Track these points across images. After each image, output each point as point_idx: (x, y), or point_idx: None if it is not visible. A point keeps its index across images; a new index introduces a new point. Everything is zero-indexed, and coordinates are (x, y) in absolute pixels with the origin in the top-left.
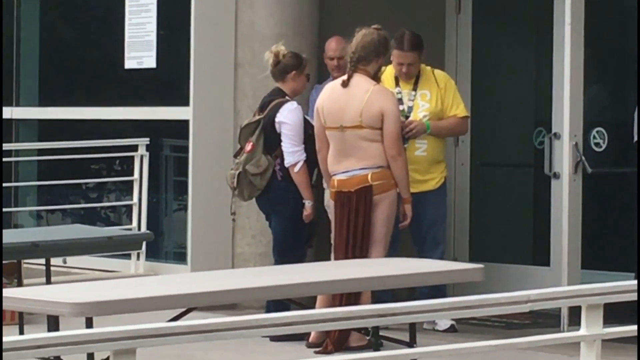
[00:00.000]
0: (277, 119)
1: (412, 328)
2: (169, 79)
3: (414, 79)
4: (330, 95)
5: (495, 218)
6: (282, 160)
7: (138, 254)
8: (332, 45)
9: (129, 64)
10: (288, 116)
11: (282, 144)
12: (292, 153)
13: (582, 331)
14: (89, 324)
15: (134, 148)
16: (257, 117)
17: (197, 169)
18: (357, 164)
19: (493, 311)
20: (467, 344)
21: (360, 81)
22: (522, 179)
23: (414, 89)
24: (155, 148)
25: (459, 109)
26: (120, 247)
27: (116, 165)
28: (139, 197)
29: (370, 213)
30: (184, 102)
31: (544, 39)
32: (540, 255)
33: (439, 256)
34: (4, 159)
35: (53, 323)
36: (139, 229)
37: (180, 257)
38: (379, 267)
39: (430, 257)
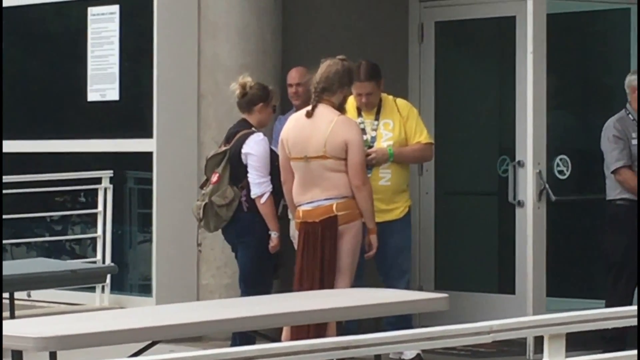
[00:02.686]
0: (243, 150)
1: (378, 359)
2: (132, 111)
3: (376, 108)
4: (294, 125)
5: (461, 247)
6: (249, 191)
7: (103, 287)
8: (292, 74)
9: (92, 96)
10: (254, 147)
11: (249, 175)
12: (259, 184)
13: None
14: (53, 358)
15: (98, 180)
16: (224, 148)
17: (161, 201)
18: (322, 194)
19: (456, 342)
20: None
21: (324, 111)
22: (486, 208)
23: (377, 119)
24: (119, 180)
25: (423, 136)
26: (84, 280)
27: (80, 197)
28: (103, 230)
29: (335, 243)
30: (148, 134)
31: (507, 68)
32: (505, 283)
33: (404, 285)
34: None
35: (17, 358)
36: (104, 261)
37: (145, 289)
38: (345, 297)
39: (396, 286)
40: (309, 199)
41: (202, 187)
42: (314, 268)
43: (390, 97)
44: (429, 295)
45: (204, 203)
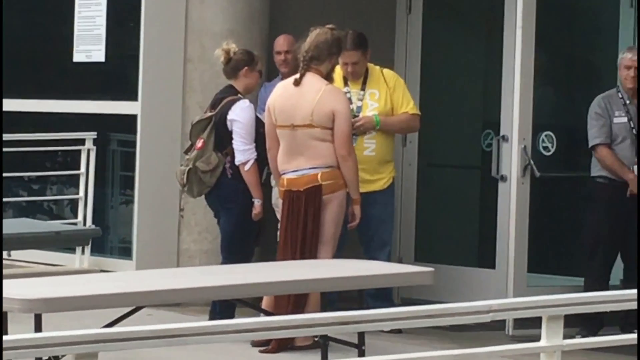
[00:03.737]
0: (229, 117)
1: (361, 336)
2: (117, 73)
3: (362, 78)
4: (282, 93)
5: (442, 219)
6: (233, 158)
7: (83, 248)
8: (280, 41)
9: (78, 57)
10: (240, 114)
11: (233, 142)
12: (243, 151)
13: (543, 342)
14: (38, 320)
15: (81, 142)
16: (209, 114)
17: (144, 164)
18: (307, 163)
19: (455, 320)
20: (423, 354)
21: (312, 80)
22: (469, 181)
23: (363, 89)
24: (103, 142)
25: (409, 106)
26: (68, 242)
27: (63, 158)
28: (85, 192)
29: (319, 213)
30: (133, 96)
31: (495, 41)
32: (485, 257)
33: (385, 257)
34: None
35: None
36: (85, 223)
37: (125, 252)
38: (329, 268)
39: (377, 257)
40: (294, 167)
41: (186, 152)
42: (297, 237)
43: (377, 67)
44: (414, 268)
45: (188, 168)
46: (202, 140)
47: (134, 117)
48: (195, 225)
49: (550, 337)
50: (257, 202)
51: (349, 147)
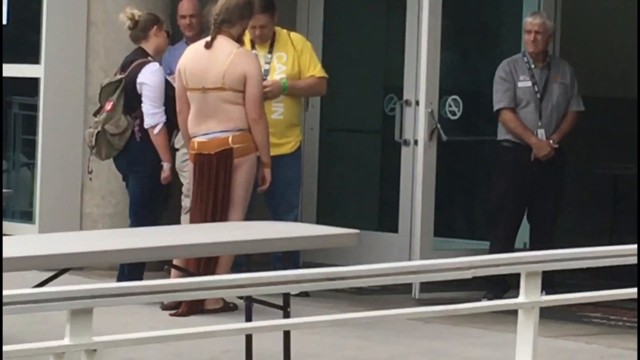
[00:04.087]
0: (138, 80)
1: (286, 297)
2: (20, 36)
3: (270, 41)
4: (193, 56)
5: (343, 183)
6: (142, 121)
7: None
8: (184, 5)
9: None
10: (150, 77)
11: (143, 105)
12: (152, 115)
13: (521, 298)
14: None
15: None
16: (119, 77)
17: (47, 127)
18: (218, 126)
19: (437, 277)
20: (396, 311)
21: (223, 43)
22: (371, 145)
23: (270, 52)
24: (5, 105)
25: (316, 70)
26: None
27: None
28: None
29: (230, 176)
30: (35, 59)
31: (397, 5)
32: (387, 221)
33: (292, 219)
34: None
35: None
36: None
37: (27, 216)
38: (246, 230)
39: (284, 220)
40: (205, 130)
41: (95, 114)
42: (208, 200)
43: (285, 30)
44: (340, 230)
45: (96, 131)
46: (111, 102)
47: (37, 80)
48: (99, 189)
49: (529, 294)
50: (166, 166)
51: (260, 110)
